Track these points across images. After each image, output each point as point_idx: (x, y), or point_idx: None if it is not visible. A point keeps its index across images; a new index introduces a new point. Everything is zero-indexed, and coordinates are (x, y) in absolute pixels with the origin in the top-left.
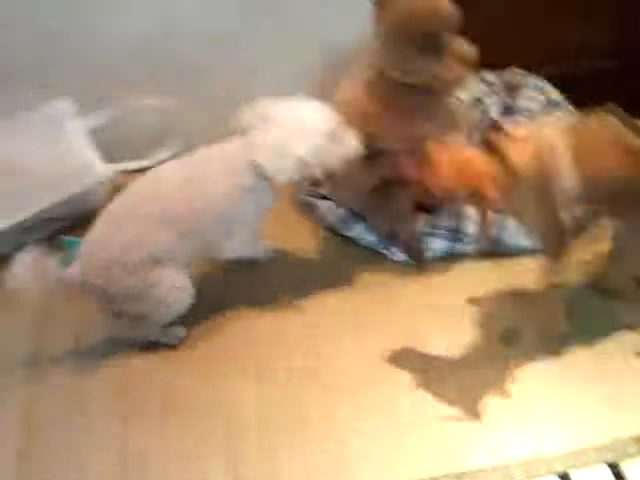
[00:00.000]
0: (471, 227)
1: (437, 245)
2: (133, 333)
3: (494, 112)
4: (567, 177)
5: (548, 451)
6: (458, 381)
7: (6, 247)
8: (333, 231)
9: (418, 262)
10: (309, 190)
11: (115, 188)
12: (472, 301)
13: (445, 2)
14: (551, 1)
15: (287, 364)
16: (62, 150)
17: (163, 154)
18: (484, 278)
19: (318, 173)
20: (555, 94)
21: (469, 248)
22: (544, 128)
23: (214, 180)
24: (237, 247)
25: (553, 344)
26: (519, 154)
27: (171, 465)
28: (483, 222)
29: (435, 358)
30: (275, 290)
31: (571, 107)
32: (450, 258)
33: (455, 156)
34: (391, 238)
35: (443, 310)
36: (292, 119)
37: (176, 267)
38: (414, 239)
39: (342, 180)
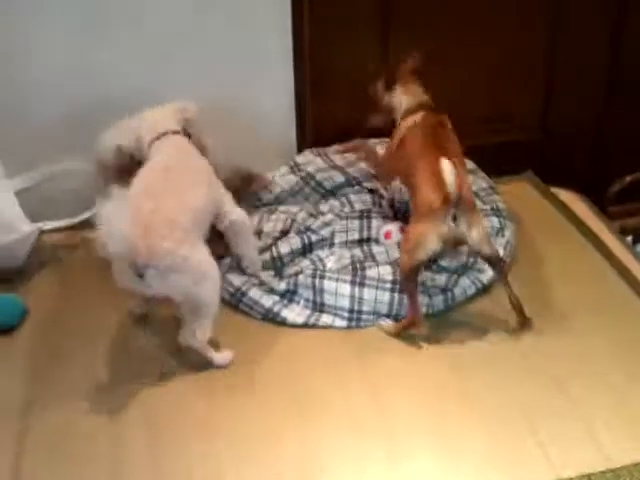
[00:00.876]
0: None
1: None
2: (191, 338)
3: None
4: None
5: None
6: None
7: None
8: None
9: None
10: None
11: (38, 246)
12: None
13: None
14: (473, 72)
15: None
16: None
17: (87, 215)
18: None
19: None
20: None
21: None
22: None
23: None
24: None
25: None
26: None
27: None
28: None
29: None
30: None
31: (484, 174)
32: None
33: None
34: None
35: None
36: None
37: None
38: None
39: None
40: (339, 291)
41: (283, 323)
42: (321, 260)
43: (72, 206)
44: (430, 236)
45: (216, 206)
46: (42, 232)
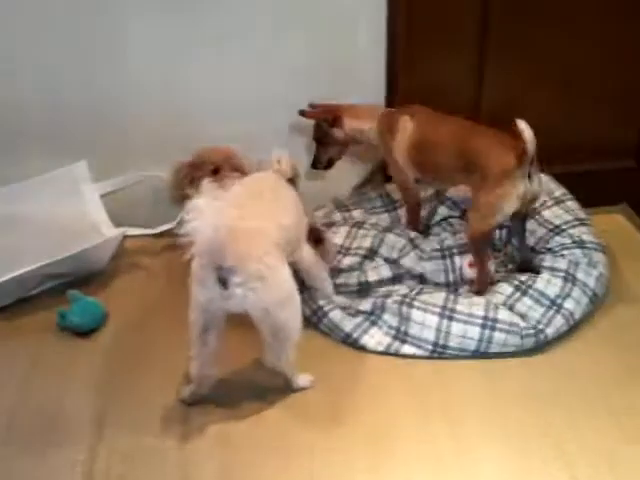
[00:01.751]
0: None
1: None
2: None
3: None
4: None
5: None
6: None
7: (6, 299)
8: None
9: None
10: None
11: (120, 251)
12: None
13: None
14: (572, 99)
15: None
16: (74, 211)
17: (170, 225)
18: None
19: None
20: (559, 191)
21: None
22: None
23: None
24: None
25: None
26: None
27: None
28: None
29: None
30: None
31: (577, 204)
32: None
33: None
34: None
35: None
36: None
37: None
38: None
39: None
40: (426, 322)
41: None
42: (412, 290)
43: (153, 213)
44: (509, 197)
45: (298, 237)
46: (124, 237)
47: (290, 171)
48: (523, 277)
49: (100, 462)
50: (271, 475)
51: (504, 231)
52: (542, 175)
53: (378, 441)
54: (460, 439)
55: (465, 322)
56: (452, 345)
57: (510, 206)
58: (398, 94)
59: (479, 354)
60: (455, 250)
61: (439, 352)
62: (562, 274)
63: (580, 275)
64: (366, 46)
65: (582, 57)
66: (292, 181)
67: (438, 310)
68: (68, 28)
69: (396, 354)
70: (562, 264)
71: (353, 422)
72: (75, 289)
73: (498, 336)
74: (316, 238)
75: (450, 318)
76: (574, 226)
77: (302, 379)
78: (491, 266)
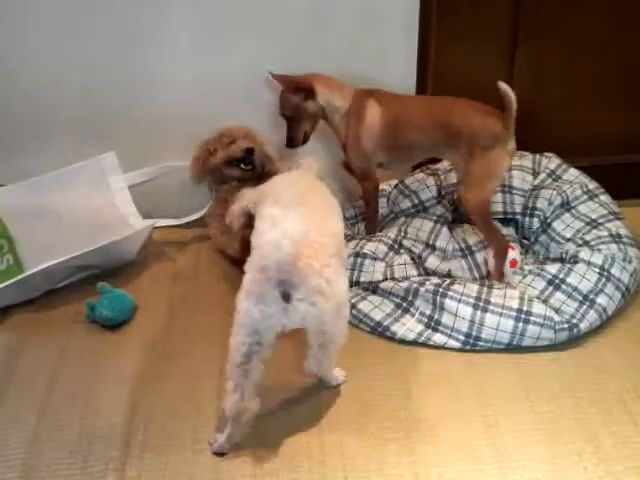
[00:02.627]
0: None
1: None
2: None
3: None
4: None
5: None
6: None
7: (35, 291)
8: None
9: None
10: None
11: (148, 241)
12: None
13: None
14: (604, 90)
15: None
16: (102, 202)
17: (195, 216)
18: None
19: None
20: (592, 185)
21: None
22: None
23: None
24: None
25: None
26: None
27: None
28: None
29: None
30: None
31: (606, 197)
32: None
33: None
34: None
35: None
36: None
37: None
38: None
39: None
40: (459, 313)
41: (392, 338)
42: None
43: (181, 203)
44: (503, 159)
45: (344, 242)
46: (152, 228)
47: (321, 171)
48: (554, 270)
49: (133, 458)
50: (305, 470)
51: (535, 222)
52: (573, 169)
53: (411, 431)
54: (493, 431)
55: (499, 314)
56: (485, 337)
57: (505, 166)
58: (429, 79)
59: (512, 347)
60: (474, 248)
61: (472, 344)
62: (597, 269)
63: (615, 271)
64: (399, 30)
65: (616, 47)
66: None
67: (472, 301)
68: (100, 20)
69: (426, 343)
70: (598, 259)
71: (385, 411)
72: (104, 281)
73: (532, 329)
74: None
75: (484, 310)
76: (610, 220)
77: (337, 376)
78: (501, 229)
